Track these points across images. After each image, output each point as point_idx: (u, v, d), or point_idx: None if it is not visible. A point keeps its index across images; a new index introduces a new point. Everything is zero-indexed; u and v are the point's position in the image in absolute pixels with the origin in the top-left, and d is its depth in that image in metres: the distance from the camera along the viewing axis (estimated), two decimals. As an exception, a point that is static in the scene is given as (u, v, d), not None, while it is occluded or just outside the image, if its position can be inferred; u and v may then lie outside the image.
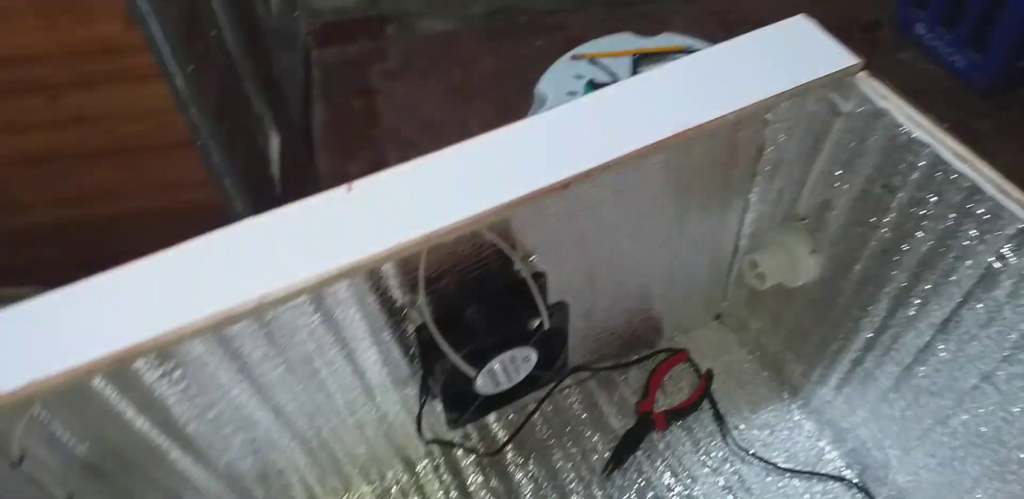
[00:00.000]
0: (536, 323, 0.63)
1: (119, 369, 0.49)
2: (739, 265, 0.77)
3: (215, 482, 0.62)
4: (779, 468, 0.74)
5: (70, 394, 0.48)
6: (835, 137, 0.61)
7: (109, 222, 1.08)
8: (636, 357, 0.82)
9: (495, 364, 0.62)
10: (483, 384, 0.63)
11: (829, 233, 0.66)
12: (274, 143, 1.28)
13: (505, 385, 0.65)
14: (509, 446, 0.76)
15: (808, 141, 0.63)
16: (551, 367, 0.68)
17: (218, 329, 0.49)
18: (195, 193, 1.03)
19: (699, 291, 0.81)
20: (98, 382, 0.49)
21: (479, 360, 0.61)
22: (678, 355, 0.81)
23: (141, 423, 0.54)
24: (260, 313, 0.49)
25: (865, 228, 0.62)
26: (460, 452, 0.76)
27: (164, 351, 0.50)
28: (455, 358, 0.59)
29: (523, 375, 0.65)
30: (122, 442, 0.54)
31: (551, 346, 0.66)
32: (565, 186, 0.50)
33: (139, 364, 0.50)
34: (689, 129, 0.52)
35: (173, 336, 0.44)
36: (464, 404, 0.66)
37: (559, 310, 0.65)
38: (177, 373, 0.52)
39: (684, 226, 0.70)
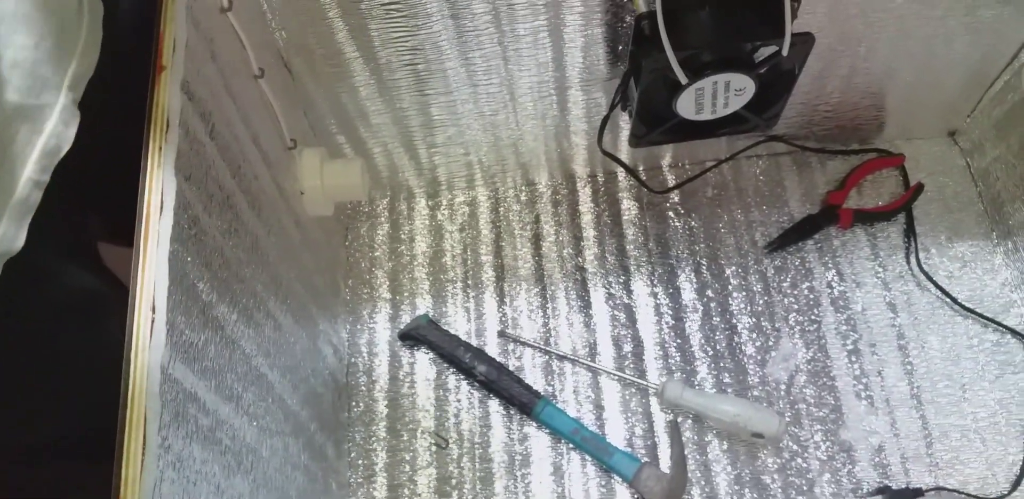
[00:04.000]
0: (770, 52, 0.55)
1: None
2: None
3: (390, 125, 0.61)
4: (958, 304, 0.66)
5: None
6: None
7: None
8: (843, 149, 0.72)
9: (707, 83, 0.55)
10: (685, 104, 0.57)
11: None
12: None
13: (707, 114, 0.58)
14: (676, 192, 0.71)
15: None
16: (762, 112, 0.60)
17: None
18: None
19: (947, 94, 0.69)
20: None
21: (693, 72, 0.54)
22: (893, 159, 0.72)
23: (340, 27, 0.51)
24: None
25: None
26: (623, 180, 0.72)
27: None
28: (672, 57, 0.53)
29: (730, 109, 0.58)
30: (314, 45, 0.53)
31: (773, 86, 0.58)
32: None
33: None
34: None
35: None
36: (656, 121, 0.60)
37: (802, 42, 0.56)
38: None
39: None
